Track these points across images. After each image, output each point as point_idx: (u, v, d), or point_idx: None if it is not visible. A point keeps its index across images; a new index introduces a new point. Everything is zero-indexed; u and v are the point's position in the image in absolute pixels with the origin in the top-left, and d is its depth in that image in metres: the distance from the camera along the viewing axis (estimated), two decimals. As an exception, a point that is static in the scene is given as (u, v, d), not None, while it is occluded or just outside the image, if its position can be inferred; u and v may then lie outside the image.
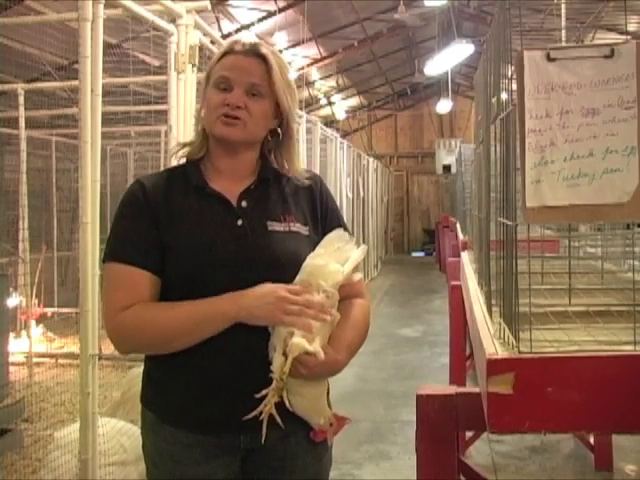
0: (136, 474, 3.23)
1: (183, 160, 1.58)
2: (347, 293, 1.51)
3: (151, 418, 1.50)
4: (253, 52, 1.45)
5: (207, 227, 1.45)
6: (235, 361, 1.41)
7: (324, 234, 1.53)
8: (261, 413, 1.38)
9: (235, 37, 1.47)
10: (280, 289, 1.38)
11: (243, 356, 1.41)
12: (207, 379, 1.43)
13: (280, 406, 1.41)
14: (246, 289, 1.38)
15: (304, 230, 1.52)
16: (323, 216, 1.58)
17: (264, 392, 1.38)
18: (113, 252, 1.45)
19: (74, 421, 3.34)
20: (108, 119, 5.56)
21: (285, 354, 1.36)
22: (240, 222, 1.47)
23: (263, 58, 1.45)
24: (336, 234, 1.50)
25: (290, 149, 1.56)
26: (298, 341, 1.35)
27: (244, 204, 1.50)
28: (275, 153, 1.58)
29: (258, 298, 1.37)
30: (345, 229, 1.58)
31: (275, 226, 1.49)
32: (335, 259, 1.45)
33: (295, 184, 1.57)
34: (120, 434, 3.15)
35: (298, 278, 1.43)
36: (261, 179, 1.53)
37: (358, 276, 1.55)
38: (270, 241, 1.47)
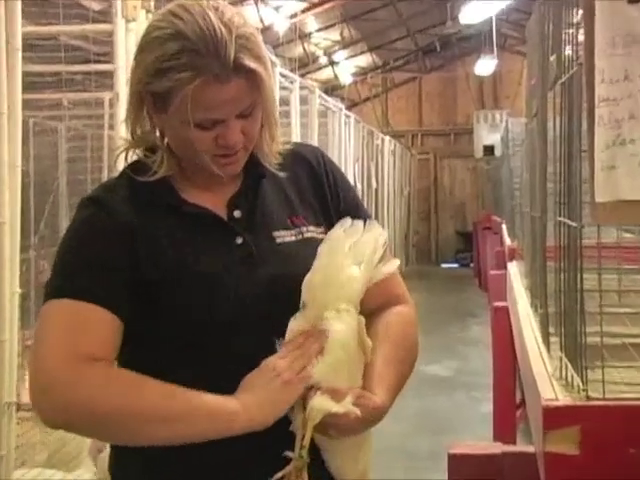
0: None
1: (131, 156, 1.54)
2: (378, 302, 1.50)
3: None
4: (236, 70, 1.34)
5: (201, 255, 1.42)
6: None
7: None
8: None
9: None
10: (267, 366, 1.36)
11: None
12: (217, 448, 1.39)
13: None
14: (236, 393, 1.35)
15: (319, 233, 1.50)
16: (336, 205, 1.56)
17: (279, 475, 1.36)
18: (67, 285, 1.38)
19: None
20: (31, 82, 5.56)
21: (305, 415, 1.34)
22: (240, 240, 1.45)
23: (250, 73, 1.36)
24: (339, 231, 1.43)
25: (269, 133, 1.52)
26: (319, 403, 1.32)
27: (237, 214, 1.47)
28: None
29: (259, 396, 1.35)
30: (363, 213, 1.56)
31: (284, 236, 1.48)
32: (352, 261, 1.40)
33: (293, 170, 1.55)
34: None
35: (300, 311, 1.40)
36: (253, 178, 1.51)
37: (393, 265, 1.48)
38: (282, 258, 1.45)
